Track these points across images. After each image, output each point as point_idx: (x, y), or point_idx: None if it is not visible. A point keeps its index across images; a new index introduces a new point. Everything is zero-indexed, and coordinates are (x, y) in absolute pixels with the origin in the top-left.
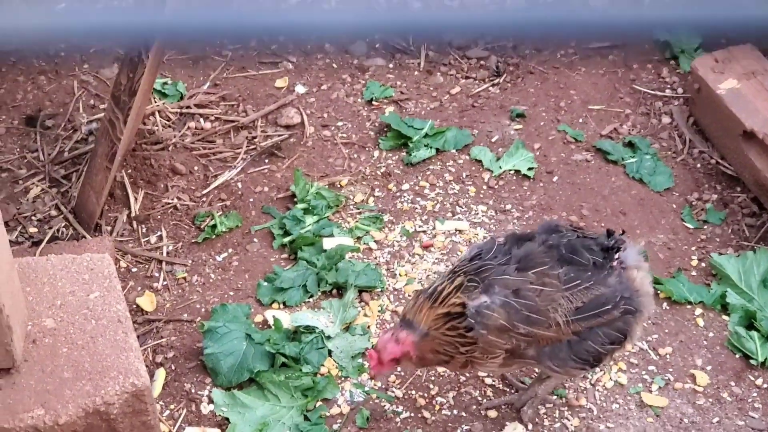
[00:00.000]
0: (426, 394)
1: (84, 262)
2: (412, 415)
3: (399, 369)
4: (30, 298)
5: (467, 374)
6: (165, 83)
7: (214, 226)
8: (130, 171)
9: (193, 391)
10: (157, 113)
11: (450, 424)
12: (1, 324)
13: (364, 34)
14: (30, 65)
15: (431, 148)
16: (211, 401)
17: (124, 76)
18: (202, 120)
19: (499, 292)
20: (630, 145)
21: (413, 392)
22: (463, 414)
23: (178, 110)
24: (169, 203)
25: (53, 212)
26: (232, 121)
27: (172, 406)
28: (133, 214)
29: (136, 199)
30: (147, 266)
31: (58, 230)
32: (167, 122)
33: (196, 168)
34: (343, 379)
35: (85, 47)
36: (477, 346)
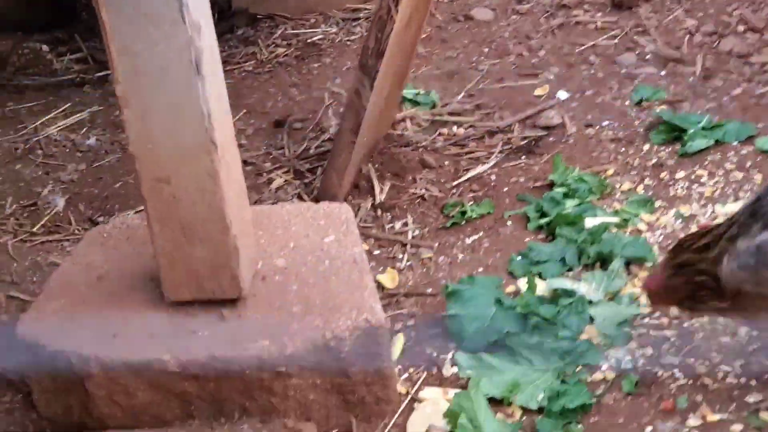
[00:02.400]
0: (708, 362)
1: (321, 210)
2: (690, 382)
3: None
4: (262, 241)
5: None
6: (418, 93)
7: (464, 212)
8: (377, 165)
9: (434, 355)
10: (408, 119)
11: (735, 392)
12: (228, 244)
13: None
14: (282, 80)
15: (709, 139)
16: (453, 364)
17: (372, 39)
18: (455, 127)
19: None
20: None
21: (691, 360)
22: (753, 383)
23: (431, 117)
24: (417, 194)
25: (295, 201)
26: (487, 127)
27: (411, 370)
28: (377, 202)
29: (381, 189)
30: (390, 249)
31: None
32: (418, 128)
33: (446, 163)
34: (607, 347)
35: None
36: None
